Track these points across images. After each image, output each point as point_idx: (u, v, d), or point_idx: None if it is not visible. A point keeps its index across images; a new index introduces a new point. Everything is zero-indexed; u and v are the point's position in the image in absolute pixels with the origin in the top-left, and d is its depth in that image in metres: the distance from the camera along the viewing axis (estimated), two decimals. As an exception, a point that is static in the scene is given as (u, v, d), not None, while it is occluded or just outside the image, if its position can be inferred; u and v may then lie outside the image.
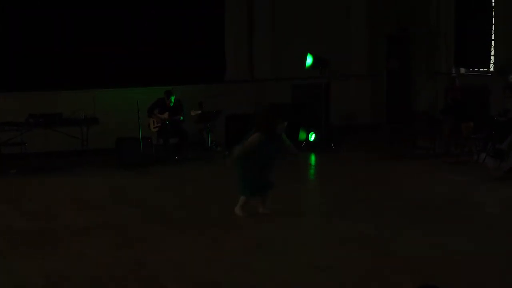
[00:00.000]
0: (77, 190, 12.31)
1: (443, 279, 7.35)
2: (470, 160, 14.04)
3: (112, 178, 13.24)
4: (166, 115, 14.69)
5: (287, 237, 9.19)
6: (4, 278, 7.75)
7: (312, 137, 15.94)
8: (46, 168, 14.10)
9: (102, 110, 14.98)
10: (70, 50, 15.92)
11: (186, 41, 17.00)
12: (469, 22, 17.77)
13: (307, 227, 9.84)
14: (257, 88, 17.35)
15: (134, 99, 14.29)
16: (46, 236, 9.39)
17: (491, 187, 11.92)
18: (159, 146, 14.87)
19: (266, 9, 17.71)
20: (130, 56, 16.34)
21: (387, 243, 8.73)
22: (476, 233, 9.13)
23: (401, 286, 7.36)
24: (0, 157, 14.23)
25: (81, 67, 15.93)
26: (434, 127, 15.19)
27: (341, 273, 7.72)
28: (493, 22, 17.03)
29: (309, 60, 16.11)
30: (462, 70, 18.34)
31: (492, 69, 17.17)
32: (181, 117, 14.81)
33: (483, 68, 17.63)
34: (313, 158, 15.07)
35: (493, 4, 16.95)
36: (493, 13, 17.02)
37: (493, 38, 17.09)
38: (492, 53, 17.15)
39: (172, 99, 14.74)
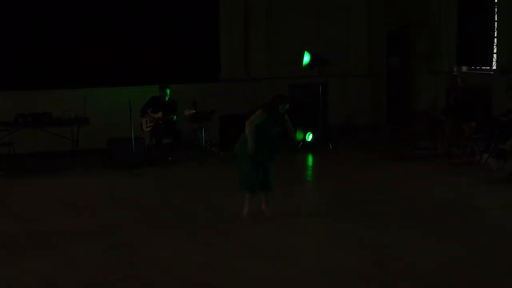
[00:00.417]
0: (67, 192, 12.30)
1: (443, 284, 7.39)
2: (472, 161, 14.09)
3: (103, 180, 13.23)
4: (159, 114, 14.69)
5: (284, 239, 9.19)
6: (-9, 283, 7.76)
7: (310, 137, 15.97)
8: (35, 169, 14.10)
9: (93, 110, 14.98)
10: (60, 48, 15.93)
11: (180, 39, 17.00)
12: (471, 20, 17.81)
13: (304, 229, 9.85)
14: (252, 87, 17.36)
15: (126, 98, 14.29)
16: (34, 239, 9.37)
17: (494, 189, 11.94)
18: (152, 146, 14.87)
19: (262, 6, 17.73)
20: (122, 54, 16.37)
21: (386, 246, 8.74)
22: (477, 236, 9.13)
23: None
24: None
25: (72, 65, 15.95)
26: (435, 127, 15.22)
27: (338, 277, 7.73)
28: (496, 19, 17.08)
29: (306, 58, 16.13)
30: (464, 69, 18.40)
31: (494, 67, 17.22)
32: (175, 117, 14.81)
33: (486, 67, 17.67)
34: (311, 159, 15.09)
35: (496, 1, 17.00)
36: (496, 9, 17.07)
37: (495, 35, 17.14)
38: (495, 51, 17.21)
39: (168, 91, 14.75)
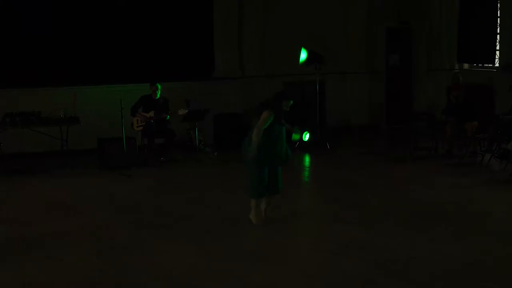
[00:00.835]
0: (56, 194, 12.29)
1: (443, 286, 7.43)
2: (474, 161, 14.13)
3: (93, 181, 13.23)
4: (151, 113, 14.69)
5: (280, 242, 9.21)
6: (-22, 287, 7.77)
7: (306, 137, 16.00)
8: (23, 170, 14.08)
9: (83, 109, 14.96)
10: (49, 45, 15.90)
11: (172, 35, 16.99)
12: (473, 15, 17.86)
13: (301, 232, 9.87)
14: (247, 85, 17.38)
15: (117, 97, 14.27)
16: (22, 242, 9.37)
17: (497, 190, 11.97)
18: (144, 146, 14.88)
19: (257, 0, 17.73)
20: (113, 51, 16.35)
21: (385, 248, 8.76)
22: (478, 239, 9.16)
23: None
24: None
25: (61, 62, 15.93)
26: (435, 127, 15.25)
27: (337, 279, 7.75)
28: (499, 15, 17.11)
29: (303, 55, 16.16)
30: (466, 66, 18.45)
31: (497, 64, 17.26)
32: (168, 116, 14.81)
33: (488, 64, 17.72)
34: (307, 159, 15.11)
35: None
36: (499, 5, 17.10)
37: (498, 31, 17.18)
38: (498, 47, 17.25)
39: (159, 87, 14.74)
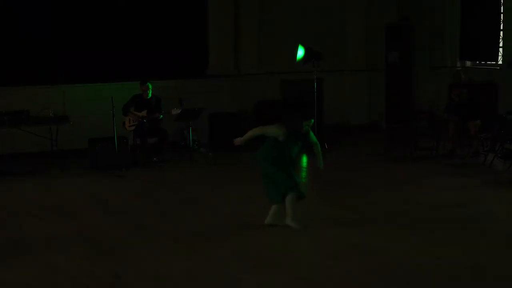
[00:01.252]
0: (46, 196, 12.29)
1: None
2: (476, 162, 14.14)
3: (84, 182, 13.21)
4: (144, 113, 14.67)
5: (275, 248, 9.17)
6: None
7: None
8: (12, 171, 14.06)
9: (73, 108, 14.96)
10: (37, 42, 15.88)
11: (165, 31, 16.97)
12: (475, 11, 17.87)
13: (297, 236, 9.85)
14: (243, 83, 17.37)
15: (108, 95, 14.24)
16: (11, 246, 9.35)
17: (500, 191, 11.99)
18: (136, 146, 14.86)
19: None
20: (104, 48, 16.32)
21: (383, 254, 8.75)
22: (479, 243, 9.15)
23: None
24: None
25: (50, 60, 15.91)
26: (437, 126, 15.25)
27: (334, 284, 7.76)
28: (502, 11, 17.14)
29: (300, 53, 16.16)
30: (468, 63, 18.46)
31: (500, 62, 17.28)
32: (161, 116, 14.79)
33: (491, 61, 17.74)
34: (305, 159, 15.10)
35: (502, -9, 17.10)
36: (502, 0, 17.13)
37: (501, 28, 17.20)
38: (501, 44, 17.28)
39: (150, 86, 14.70)
